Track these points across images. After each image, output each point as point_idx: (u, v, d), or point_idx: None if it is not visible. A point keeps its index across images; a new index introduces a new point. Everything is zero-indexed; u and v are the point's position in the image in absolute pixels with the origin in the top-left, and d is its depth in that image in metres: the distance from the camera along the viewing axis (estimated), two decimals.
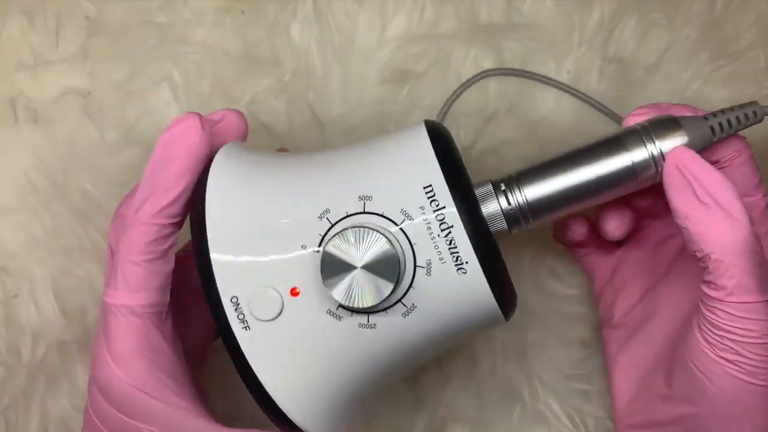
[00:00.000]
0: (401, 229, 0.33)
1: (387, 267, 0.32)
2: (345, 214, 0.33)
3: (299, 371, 0.34)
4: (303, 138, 0.46)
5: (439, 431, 0.47)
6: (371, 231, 0.32)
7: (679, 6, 0.46)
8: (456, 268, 0.32)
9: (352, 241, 0.32)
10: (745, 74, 0.46)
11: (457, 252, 0.32)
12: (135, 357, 0.33)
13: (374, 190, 0.33)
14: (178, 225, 0.34)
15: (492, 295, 0.33)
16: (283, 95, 0.46)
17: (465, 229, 0.32)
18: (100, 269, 0.45)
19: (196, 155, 0.34)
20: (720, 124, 0.35)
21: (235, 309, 0.33)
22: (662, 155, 0.34)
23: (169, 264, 0.34)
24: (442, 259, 0.32)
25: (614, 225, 0.39)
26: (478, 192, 0.35)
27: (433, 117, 0.46)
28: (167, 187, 0.33)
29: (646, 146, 0.34)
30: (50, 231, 0.44)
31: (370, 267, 0.32)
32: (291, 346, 0.33)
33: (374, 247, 0.32)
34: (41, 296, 0.44)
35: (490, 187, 0.35)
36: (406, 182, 0.33)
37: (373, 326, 0.33)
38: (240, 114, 0.37)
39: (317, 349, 0.33)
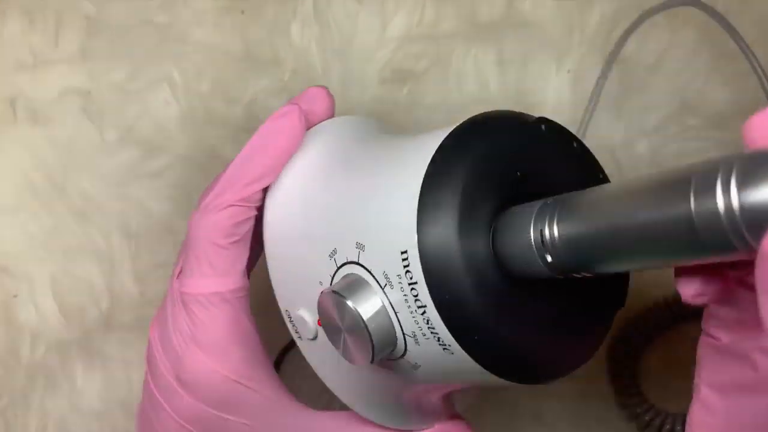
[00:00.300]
0: (384, 293, 0.28)
1: (362, 339, 0.28)
2: (345, 260, 0.29)
3: (337, 379, 0.33)
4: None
5: None
6: (346, 303, 0.28)
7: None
8: (441, 348, 0.27)
9: (332, 306, 0.29)
10: (746, 74, 0.46)
11: (437, 334, 0.27)
12: (231, 346, 0.33)
13: (367, 239, 0.29)
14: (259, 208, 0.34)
15: (494, 375, 0.27)
16: (283, 95, 0.46)
17: (439, 314, 0.26)
18: (100, 269, 0.45)
19: (292, 150, 0.33)
20: None
21: (290, 321, 0.33)
22: (742, 217, 0.19)
23: (248, 246, 0.33)
24: (424, 335, 0.28)
25: (692, 292, 0.26)
26: (514, 214, 0.27)
27: (431, 115, 0.46)
28: (262, 175, 0.33)
29: (719, 196, 0.20)
30: (49, 231, 0.44)
31: (351, 333, 0.29)
32: (329, 361, 0.33)
33: (350, 318, 0.28)
34: (40, 296, 0.44)
35: (534, 210, 0.26)
36: (389, 238, 0.28)
37: (389, 367, 0.31)
38: (327, 91, 0.35)
39: (347, 371, 0.32)
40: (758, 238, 0.19)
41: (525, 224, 0.26)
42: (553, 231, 0.25)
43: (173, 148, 0.45)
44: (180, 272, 0.34)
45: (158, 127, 0.45)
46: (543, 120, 0.30)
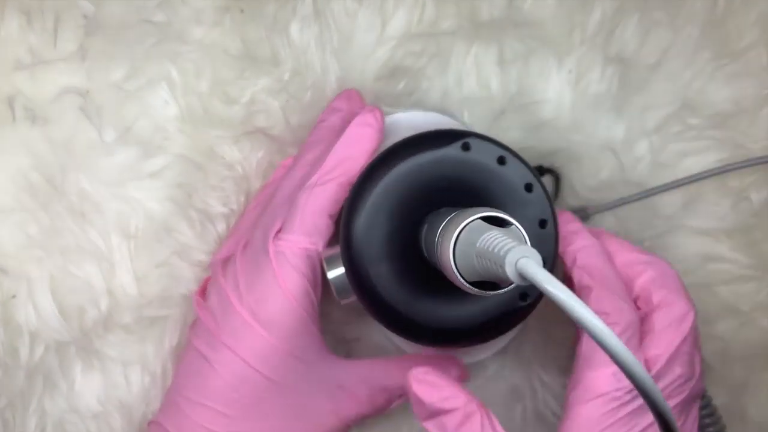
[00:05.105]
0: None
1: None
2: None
3: None
4: (302, 137, 0.46)
5: None
6: (324, 267, 0.41)
7: (680, 4, 0.46)
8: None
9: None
10: (747, 73, 0.46)
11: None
12: (306, 292, 0.40)
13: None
14: None
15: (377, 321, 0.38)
16: (282, 94, 0.46)
17: (346, 271, 0.38)
18: (99, 269, 0.45)
19: (374, 149, 0.41)
20: None
21: None
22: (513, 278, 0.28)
23: (334, 226, 0.41)
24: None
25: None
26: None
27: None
28: (362, 156, 0.41)
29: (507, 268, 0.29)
30: (48, 231, 0.44)
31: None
32: None
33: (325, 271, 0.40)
34: (39, 296, 0.44)
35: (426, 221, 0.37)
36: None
37: None
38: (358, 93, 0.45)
39: None
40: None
41: (431, 226, 0.35)
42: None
43: (172, 147, 0.45)
44: (278, 232, 0.41)
45: (157, 126, 0.45)
46: (473, 136, 0.37)
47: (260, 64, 0.45)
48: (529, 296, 0.37)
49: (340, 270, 0.39)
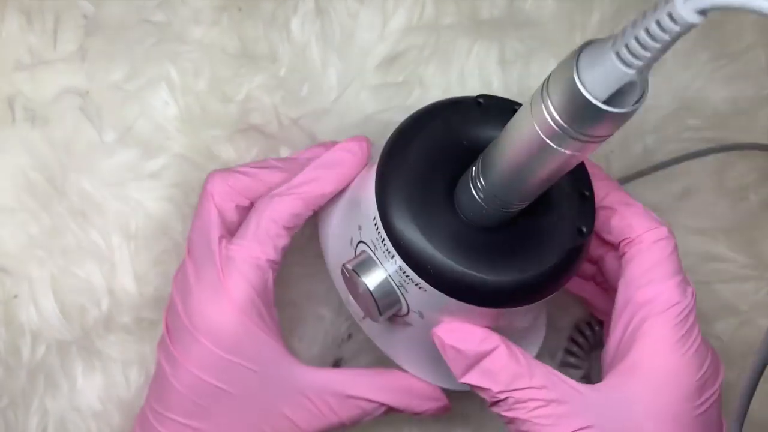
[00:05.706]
0: (375, 256, 0.35)
1: (370, 302, 0.36)
2: (358, 240, 0.37)
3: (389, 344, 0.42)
4: (297, 134, 0.46)
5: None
6: (358, 277, 0.36)
7: None
8: (417, 288, 0.34)
9: (348, 278, 0.37)
10: (746, 74, 0.46)
11: (409, 276, 0.34)
12: (253, 303, 0.38)
13: (361, 220, 0.37)
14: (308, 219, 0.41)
15: (454, 299, 0.34)
16: (278, 91, 0.46)
17: (404, 260, 0.34)
18: (100, 269, 0.45)
19: (353, 176, 0.41)
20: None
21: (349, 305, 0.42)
22: (557, 119, 0.27)
23: (290, 236, 0.40)
24: (405, 281, 0.35)
25: None
26: (464, 175, 0.34)
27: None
28: (333, 181, 0.40)
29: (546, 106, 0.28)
30: (49, 231, 0.44)
31: (364, 299, 0.36)
32: (385, 333, 0.42)
33: (362, 287, 0.36)
34: (41, 296, 0.44)
35: (472, 169, 0.33)
36: (367, 212, 0.36)
37: (409, 324, 0.37)
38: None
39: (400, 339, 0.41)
40: (581, 128, 0.27)
41: (466, 181, 0.33)
42: (479, 177, 0.32)
43: (172, 148, 0.45)
44: (221, 237, 0.40)
45: (157, 126, 0.45)
46: (482, 96, 0.36)
47: (256, 61, 0.45)
48: (585, 230, 0.35)
49: (379, 276, 0.35)
